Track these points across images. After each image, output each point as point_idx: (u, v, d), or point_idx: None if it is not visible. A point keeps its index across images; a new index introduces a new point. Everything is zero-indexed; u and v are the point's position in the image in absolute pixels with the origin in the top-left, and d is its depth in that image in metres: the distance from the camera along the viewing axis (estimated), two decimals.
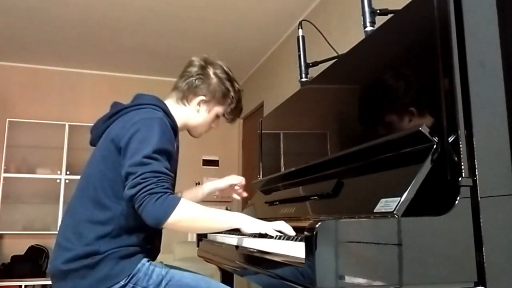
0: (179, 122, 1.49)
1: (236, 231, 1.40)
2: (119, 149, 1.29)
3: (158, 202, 1.17)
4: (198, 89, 1.49)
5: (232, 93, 1.52)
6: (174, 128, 1.43)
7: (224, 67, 1.54)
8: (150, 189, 1.18)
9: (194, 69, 1.50)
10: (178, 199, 1.21)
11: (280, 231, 1.23)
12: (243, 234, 1.33)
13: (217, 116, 1.55)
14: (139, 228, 1.30)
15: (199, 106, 1.50)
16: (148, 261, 1.33)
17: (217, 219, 1.29)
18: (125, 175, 1.23)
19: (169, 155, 1.29)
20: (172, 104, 1.50)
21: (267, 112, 3.74)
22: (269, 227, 1.25)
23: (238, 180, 1.79)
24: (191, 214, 1.23)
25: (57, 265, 1.27)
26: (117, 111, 1.40)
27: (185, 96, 1.50)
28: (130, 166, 1.22)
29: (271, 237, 1.24)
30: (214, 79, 1.50)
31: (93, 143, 1.45)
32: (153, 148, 1.23)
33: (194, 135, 1.60)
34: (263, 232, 1.26)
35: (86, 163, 1.40)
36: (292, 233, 1.21)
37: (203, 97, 1.49)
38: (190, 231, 1.24)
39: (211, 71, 1.50)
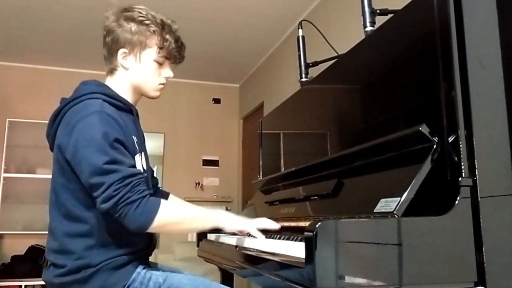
0: (126, 93, 1.34)
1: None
2: (67, 159, 1.20)
3: (138, 209, 1.13)
4: (115, 44, 1.30)
5: (152, 28, 1.30)
6: (126, 107, 1.32)
7: (136, 7, 1.33)
8: (127, 198, 1.12)
9: (105, 25, 1.32)
10: (158, 202, 1.17)
11: (264, 230, 1.23)
12: (225, 233, 1.32)
13: (158, 63, 1.33)
14: (125, 231, 1.21)
15: (126, 60, 1.31)
16: (144, 268, 1.28)
17: (200, 219, 1.28)
18: (89, 186, 1.15)
19: (122, 144, 1.19)
20: (109, 80, 1.35)
21: (267, 112, 3.74)
22: (251, 225, 1.25)
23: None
24: (174, 216, 1.21)
25: (50, 278, 1.23)
26: (59, 111, 1.28)
27: (110, 61, 1.32)
28: (92, 175, 1.13)
29: (271, 237, 1.24)
30: (125, 24, 1.29)
31: (51, 150, 1.32)
32: (105, 150, 1.14)
33: (150, 95, 1.37)
34: (245, 230, 1.26)
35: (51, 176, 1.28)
36: (276, 227, 1.22)
37: (123, 49, 1.29)
38: (174, 233, 1.20)
39: (122, 18, 1.30)
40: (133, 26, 1.29)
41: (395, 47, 1.26)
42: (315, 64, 2.02)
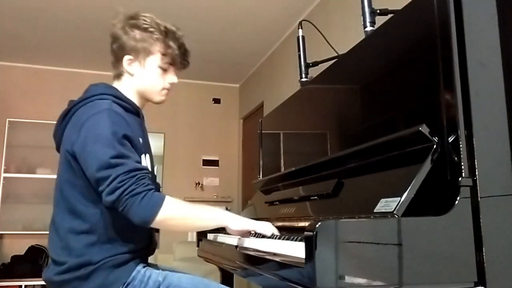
0: (132, 96, 1.37)
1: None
2: (75, 155, 1.22)
3: (143, 201, 1.13)
4: (120, 51, 1.35)
5: (155, 35, 1.33)
6: (132, 109, 1.35)
7: (142, 15, 1.37)
8: (131, 190, 1.13)
9: (111, 33, 1.37)
10: (163, 197, 1.17)
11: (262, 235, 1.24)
12: (225, 233, 1.31)
13: (162, 69, 1.37)
14: (128, 230, 1.25)
15: (131, 66, 1.35)
16: (144, 266, 1.29)
17: (205, 217, 1.27)
18: (95, 181, 1.17)
19: (129, 140, 1.22)
20: (116, 84, 1.39)
21: (267, 112, 3.74)
22: (256, 225, 1.26)
23: None
24: (178, 212, 1.21)
25: (50, 276, 1.24)
26: (68, 110, 1.33)
27: (117, 67, 1.37)
28: (98, 170, 1.15)
29: (271, 237, 1.24)
30: (130, 31, 1.34)
31: (58, 149, 1.36)
32: (113, 145, 1.16)
33: (154, 100, 1.41)
34: (250, 230, 1.26)
35: (57, 175, 1.33)
36: (276, 232, 1.22)
37: (128, 56, 1.34)
38: (177, 229, 1.19)
39: (120, 30, 1.35)
40: (137, 34, 1.34)
41: (395, 47, 1.26)
42: (315, 64, 2.02)
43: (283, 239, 1.18)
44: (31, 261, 4.44)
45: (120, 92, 1.35)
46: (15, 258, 4.49)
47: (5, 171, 4.63)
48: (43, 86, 4.99)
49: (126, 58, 1.35)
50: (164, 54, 1.35)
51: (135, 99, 1.39)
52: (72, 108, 1.32)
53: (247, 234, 1.31)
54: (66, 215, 1.26)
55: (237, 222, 1.27)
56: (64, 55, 4.70)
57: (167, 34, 1.36)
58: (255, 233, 1.30)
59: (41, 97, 4.95)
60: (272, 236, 1.24)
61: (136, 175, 1.15)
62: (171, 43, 1.36)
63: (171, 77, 1.40)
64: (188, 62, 1.44)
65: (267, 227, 1.25)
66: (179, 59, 1.39)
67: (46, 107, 4.90)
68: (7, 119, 4.70)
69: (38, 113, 4.82)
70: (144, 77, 1.36)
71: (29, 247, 4.57)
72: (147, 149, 1.37)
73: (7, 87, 4.86)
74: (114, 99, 1.30)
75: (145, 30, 1.34)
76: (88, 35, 4.17)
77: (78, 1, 3.52)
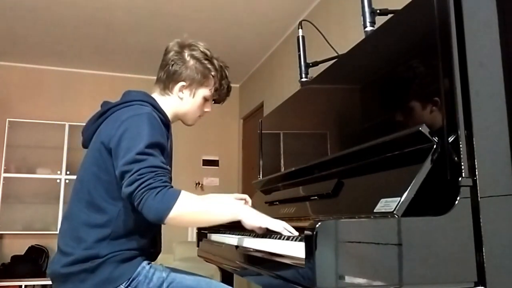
0: (169, 113, 1.45)
1: (235, 228, 1.40)
2: (110, 150, 1.26)
3: (158, 196, 1.15)
4: (176, 75, 1.44)
5: (213, 72, 1.46)
6: (165, 122, 1.40)
7: (201, 47, 1.47)
8: (149, 184, 1.15)
9: (169, 56, 1.45)
10: (179, 192, 1.18)
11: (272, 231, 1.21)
12: (243, 228, 1.29)
13: (205, 99, 1.49)
14: (139, 229, 1.29)
15: (182, 92, 1.45)
16: (148, 263, 1.31)
17: (220, 211, 1.26)
18: (120, 175, 1.21)
19: (162, 148, 1.27)
20: (157, 96, 1.46)
21: (267, 112, 3.74)
22: (272, 222, 1.22)
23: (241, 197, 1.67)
24: (193, 206, 1.20)
25: (57, 268, 1.26)
26: (106, 110, 1.38)
27: (166, 85, 1.46)
28: (124, 164, 1.19)
29: (271, 237, 1.24)
30: (190, 62, 1.44)
31: (85, 145, 1.42)
32: (145, 144, 1.21)
33: (188, 123, 1.54)
34: (263, 226, 1.22)
35: (79, 165, 1.38)
36: (294, 232, 1.18)
37: (183, 83, 1.44)
38: (192, 224, 1.21)
39: (186, 53, 1.44)
40: (196, 65, 1.45)
41: (395, 47, 1.26)
42: (315, 64, 2.02)
43: (283, 239, 1.18)
44: (31, 261, 4.44)
45: (158, 104, 1.42)
46: (15, 258, 4.49)
47: (5, 171, 4.63)
48: (43, 86, 4.99)
49: (180, 84, 1.45)
50: (215, 90, 1.49)
51: (170, 116, 1.46)
52: (110, 109, 1.37)
53: (261, 229, 1.27)
54: (84, 207, 1.29)
55: (251, 216, 1.25)
56: (64, 55, 4.70)
57: (221, 72, 1.50)
58: (253, 233, 1.30)
59: (41, 97, 4.95)
60: (272, 236, 1.24)
61: (156, 171, 1.18)
62: (223, 82, 1.51)
63: (208, 107, 1.53)
64: (226, 99, 1.60)
65: (280, 225, 1.21)
66: (224, 96, 1.55)
67: (46, 107, 4.91)
68: (7, 119, 4.69)
69: (38, 113, 4.83)
70: (190, 104, 1.47)
71: (29, 247, 4.56)
72: (169, 161, 1.39)
73: (7, 87, 4.86)
74: (153, 108, 1.37)
75: (204, 65, 1.45)
76: (88, 35, 4.17)
77: (78, 1, 3.52)
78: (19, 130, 4.73)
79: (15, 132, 4.71)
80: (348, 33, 2.68)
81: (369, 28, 1.46)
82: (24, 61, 4.86)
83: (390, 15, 1.39)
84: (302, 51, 2.03)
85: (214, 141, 5.39)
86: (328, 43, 1.99)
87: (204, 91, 1.47)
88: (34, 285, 4.39)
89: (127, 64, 4.93)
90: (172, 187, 1.21)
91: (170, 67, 1.44)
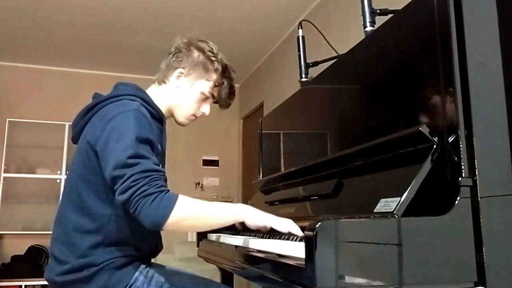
0: (163, 106, 1.38)
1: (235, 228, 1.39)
2: (96, 152, 1.20)
3: (154, 203, 1.08)
4: (177, 62, 1.38)
5: (215, 65, 1.38)
6: (157, 116, 1.34)
7: (210, 43, 1.42)
8: (143, 191, 1.08)
9: (175, 45, 1.41)
10: (176, 196, 1.12)
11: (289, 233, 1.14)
12: (247, 228, 1.23)
13: (203, 96, 1.41)
14: (134, 234, 1.24)
15: (178, 80, 1.38)
16: (146, 267, 1.28)
17: (220, 214, 1.19)
18: (111, 179, 1.14)
19: (151, 144, 1.20)
20: (153, 88, 1.41)
21: (267, 112, 3.74)
22: (274, 222, 1.16)
23: None
24: (192, 211, 1.14)
25: (53, 276, 1.23)
26: (95, 104, 1.31)
27: (165, 74, 1.39)
28: (115, 168, 1.12)
29: (271, 237, 1.24)
30: (194, 52, 1.38)
31: (74, 140, 1.36)
32: (133, 142, 1.14)
33: (179, 119, 1.43)
34: (268, 225, 1.17)
35: (70, 164, 1.33)
36: (299, 233, 1.11)
37: (181, 70, 1.37)
38: (192, 230, 1.14)
39: (193, 45, 1.39)
40: (200, 56, 1.39)
41: (395, 47, 1.26)
42: (315, 64, 2.02)
43: (283, 239, 1.18)
44: (31, 261, 4.44)
45: (149, 97, 1.35)
46: (15, 258, 4.49)
47: (5, 171, 4.63)
48: (43, 86, 4.99)
49: (179, 70, 1.38)
50: (216, 85, 1.41)
51: (163, 109, 1.39)
52: (98, 104, 1.30)
53: (265, 228, 1.21)
54: (74, 210, 1.24)
55: (255, 216, 1.19)
56: (64, 55, 4.70)
57: (225, 69, 1.43)
58: (253, 233, 1.29)
59: (41, 97, 4.95)
60: (272, 236, 1.24)
61: (150, 176, 1.11)
62: (225, 80, 1.43)
63: (206, 107, 1.45)
64: (229, 105, 1.51)
65: (284, 225, 1.15)
66: (224, 96, 1.45)
67: (46, 107, 4.91)
68: (7, 119, 4.70)
69: (38, 113, 4.83)
70: (185, 95, 1.39)
71: (29, 247, 4.57)
72: (162, 160, 1.35)
73: (7, 87, 4.86)
74: (142, 102, 1.30)
75: (208, 57, 1.39)
76: (89, 35, 4.17)
77: (78, 1, 3.52)
78: (19, 130, 4.73)
79: (15, 132, 4.71)
80: (348, 33, 2.68)
81: (369, 28, 1.46)
82: (24, 61, 4.86)
83: (390, 15, 1.39)
84: (302, 51, 2.03)
85: (214, 141, 5.39)
86: (328, 43, 1.99)
87: (203, 85, 1.39)
88: (34, 285, 4.39)
89: (127, 64, 4.93)
90: (168, 191, 1.14)
91: (173, 55, 1.39)
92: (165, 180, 1.18)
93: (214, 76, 1.40)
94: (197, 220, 1.17)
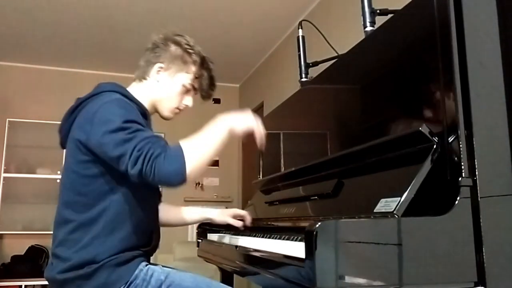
0: (145, 101, 1.40)
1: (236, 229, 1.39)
2: (88, 146, 1.23)
3: (167, 159, 1.11)
4: (155, 58, 1.40)
5: (193, 57, 1.41)
6: (140, 110, 1.35)
7: (186, 37, 1.44)
8: (152, 154, 1.12)
9: (152, 42, 1.43)
10: (179, 146, 1.16)
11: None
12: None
13: (185, 88, 1.43)
14: (132, 224, 1.26)
15: (158, 74, 1.40)
16: (146, 265, 1.29)
17: (215, 140, 1.23)
18: (116, 160, 1.16)
19: (140, 124, 1.22)
20: (133, 86, 1.43)
21: (267, 112, 3.74)
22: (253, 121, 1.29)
23: (239, 214, 1.67)
24: (197, 149, 1.18)
25: (53, 274, 1.24)
26: (77, 105, 1.33)
27: (145, 71, 1.42)
28: (114, 149, 1.15)
29: (271, 237, 1.24)
30: (171, 46, 1.41)
31: (62, 144, 1.38)
32: (125, 125, 1.18)
33: (164, 114, 1.45)
34: (250, 125, 1.28)
35: (61, 170, 1.34)
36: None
37: (160, 64, 1.40)
38: (206, 163, 1.15)
39: (162, 41, 1.42)
40: (178, 50, 1.41)
41: (395, 47, 1.27)
42: (315, 64, 2.02)
43: (283, 239, 1.18)
44: (31, 261, 4.44)
45: (130, 93, 1.37)
46: (15, 258, 4.49)
47: (5, 171, 4.63)
48: (43, 86, 4.99)
49: (158, 65, 1.40)
50: (196, 77, 1.43)
51: (145, 104, 1.41)
52: (80, 104, 1.33)
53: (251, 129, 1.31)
54: (71, 206, 1.26)
55: (239, 123, 1.27)
56: (64, 55, 4.70)
57: (204, 61, 1.45)
58: (254, 233, 1.29)
59: (41, 97, 4.95)
60: (272, 236, 1.24)
61: (150, 141, 1.15)
62: (204, 71, 1.46)
63: (188, 100, 1.46)
64: (211, 95, 1.53)
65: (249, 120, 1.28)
66: (204, 87, 1.48)
67: (46, 107, 4.91)
68: (7, 119, 4.69)
69: (38, 113, 4.82)
70: (166, 88, 1.41)
71: (29, 247, 4.57)
72: None
73: (7, 87, 4.86)
74: (122, 96, 1.32)
75: (185, 50, 1.41)
76: (89, 35, 4.17)
77: (78, 1, 3.52)
78: (19, 130, 4.73)
79: (15, 132, 4.71)
80: (348, 33, 2.68)
81: (369, 28, 1.46)
82: (24, 61, 4.87)
83: (390, 15, 1.39)
84: (302, 51, 2.03)
85: None
86: (328, 43, 1.99)
87: (183, 77, 1.41)
88: (34, 285, 4.39)
89: (127, 64, 4.92)
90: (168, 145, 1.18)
91: (150, 51, 1.42)
92: (165, 140, 1.21)
93: (193, 68, 1.43)
94: (205, 154, 1.20)
